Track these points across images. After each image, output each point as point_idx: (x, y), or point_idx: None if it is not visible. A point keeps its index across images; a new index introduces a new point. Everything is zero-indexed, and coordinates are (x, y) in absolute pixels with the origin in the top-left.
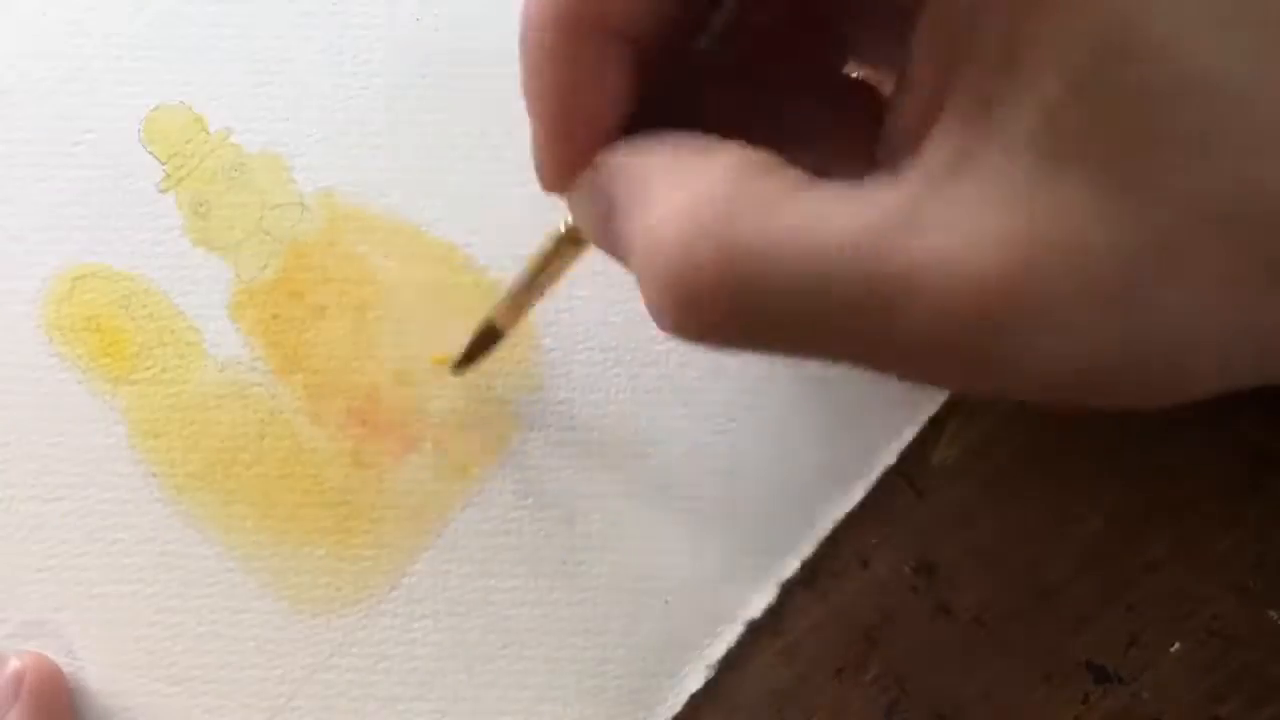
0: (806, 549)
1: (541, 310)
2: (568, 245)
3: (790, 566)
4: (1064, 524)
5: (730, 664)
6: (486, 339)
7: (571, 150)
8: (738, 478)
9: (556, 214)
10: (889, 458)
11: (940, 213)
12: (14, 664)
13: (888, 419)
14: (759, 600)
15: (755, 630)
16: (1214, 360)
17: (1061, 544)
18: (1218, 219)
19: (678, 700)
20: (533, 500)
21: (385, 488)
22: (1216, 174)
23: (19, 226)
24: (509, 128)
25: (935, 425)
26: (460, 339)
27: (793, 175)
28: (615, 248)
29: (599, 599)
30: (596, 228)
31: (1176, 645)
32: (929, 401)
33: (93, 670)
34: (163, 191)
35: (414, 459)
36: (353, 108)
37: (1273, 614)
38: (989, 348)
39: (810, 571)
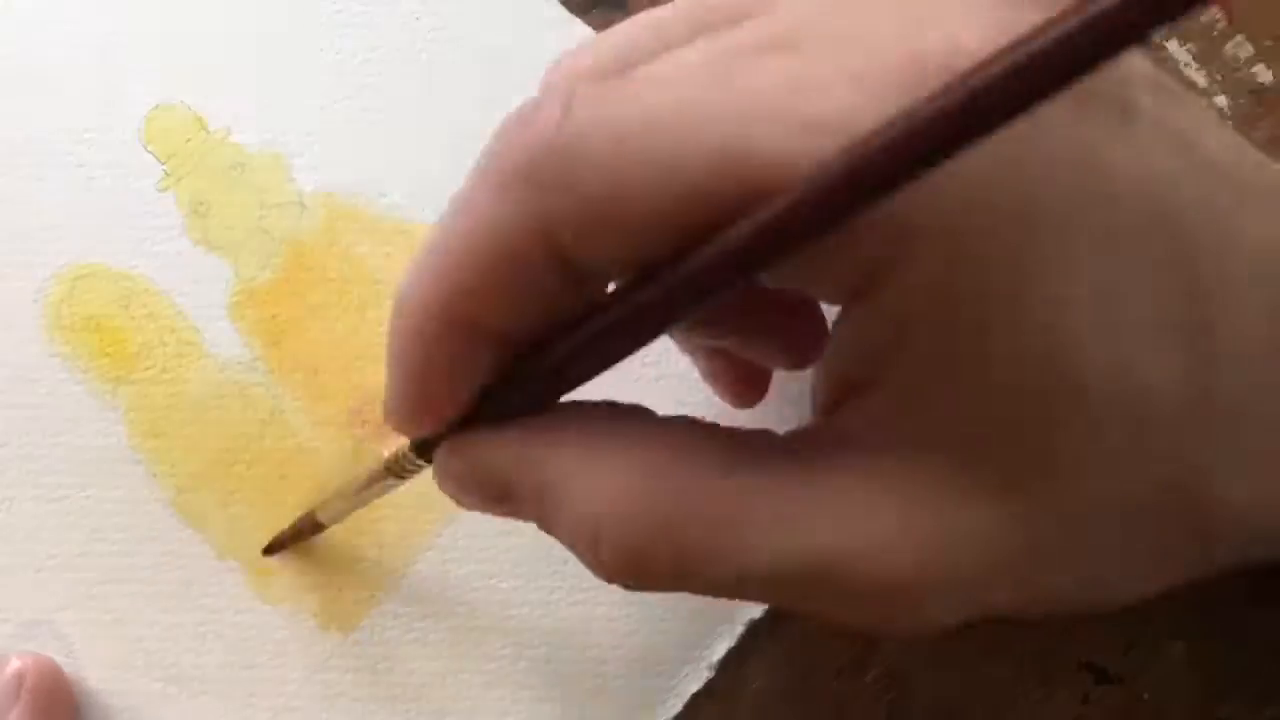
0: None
1: None
2: (388, 476)
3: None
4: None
5: (731, 664)
6: (305, 530)
7: (426, 417)
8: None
9: None
10: None
11: (857, 510)
12: (15, 664)
13: None
14: (759, 604)
15: (756, 630)
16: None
17: None
18: (1116, 499)
19: (678, 700)
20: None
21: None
22: (1118, 474)
23: (19, 226)
24: None
25: None
26: None
27: (712, 462)
28: (519, 514)
29: (599, 599)
30: (484, 498)
31: (1177, 645)
32: None
33: (93, 670)
34: (162, 191)
35: None
36: (353, 107)
37: (1274, 614)
38: (899, 617)
39: None
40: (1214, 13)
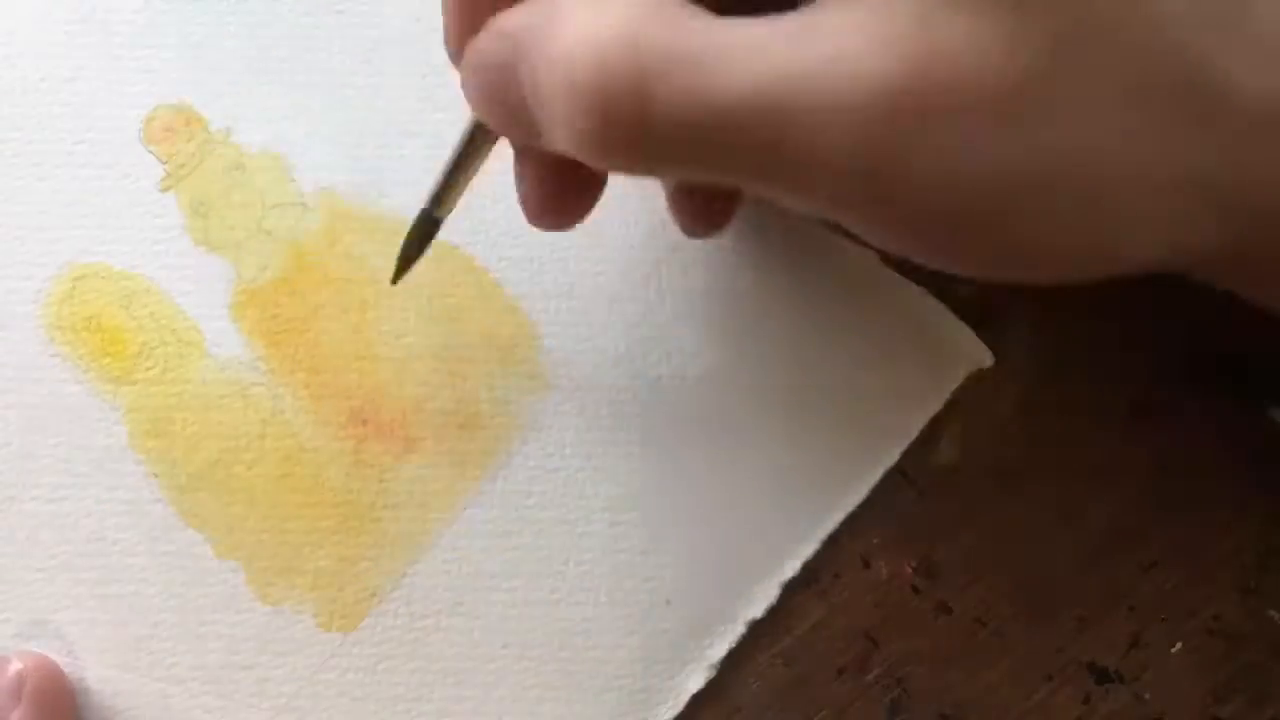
0: (808, 549)
1: (543, 310)
2: (482, 131)
3: (792, 567)
4: (1065, 524)
5: (731, 664)
6: (425, 229)
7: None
8: (739, 478)
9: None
10: (891, 458)
11: (839, 23)
12: (16, 666)
13: (890, 419)
14: (760, 600)
15: (756, 630)
16: (1137, 202)
17: (1063, 544)
18: (1110, 27)
19: (679, 701)
20: (534, 501)
21: (386, 488)
22: None
23: (20, 226)
24: None
25: (936, 425)
26: (459, 345)
27: (688, 8)
28: (517, 92)
29: (600, 600)
30: (495, 82)
31: (1178, 645)
32: (932, 400)
33: (94, 671)
34: (163, 191)
35: (415, 459)
36: (354, 107)
37: (1274, 614)
38: (887, 157)
39: (811, 571)
40: None
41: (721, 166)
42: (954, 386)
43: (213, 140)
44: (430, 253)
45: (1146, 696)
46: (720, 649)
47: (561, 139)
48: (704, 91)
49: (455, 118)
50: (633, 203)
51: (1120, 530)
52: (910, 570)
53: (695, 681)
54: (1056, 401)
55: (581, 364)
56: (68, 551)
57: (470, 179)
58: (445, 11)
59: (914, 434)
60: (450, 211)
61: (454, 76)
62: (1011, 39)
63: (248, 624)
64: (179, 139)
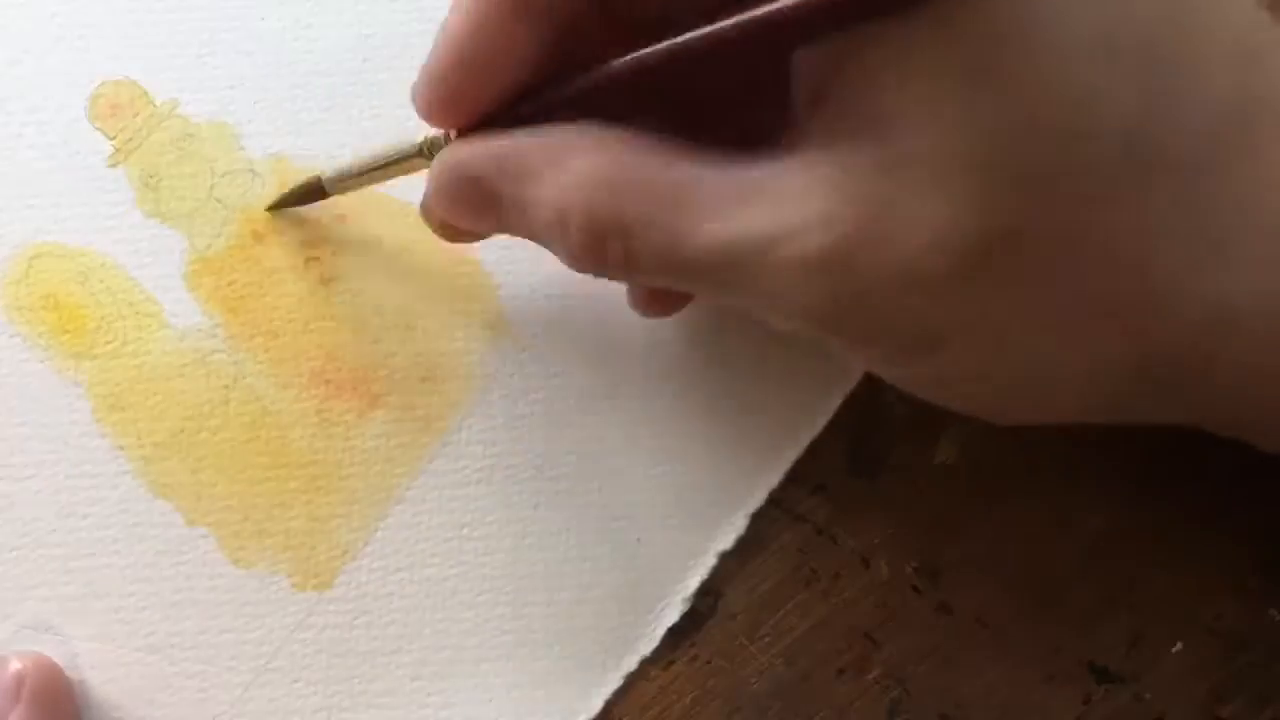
0: (774, 478)
1: (499, 260)
2: (418, 159)
3: (758, 498)
4: (1066, 524)
5: (732, 662)
6: (308, 194)
7: (464, 90)
8: (704, 415)
9: None
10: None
11: (799, 186)
12: (15, 666)
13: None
14: (729, 532)
15: (756, 628)
16: (1070, 385)
17: (1063, 544)
18: (1063, 235)
19: (655, 636)
20: (500, 449)
21: (352, 445)
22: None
23: None
24: None
25: (936, 425)
26: (416, 299)
27: (665, 158)
28: (491, 209)
29: (571, 542)
30: (472, 195)
31: (1178, 645)
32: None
33: (71, 644)
34: (112, 167)
35: (379, 415)
36: (299, 73)
37: (1275, 614)
38: (834, 311)
39: (812, 571)
40: None
41: (698, 292)
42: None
43: (159, 113)
44: (383, 210)
45: (1147, 696)
46: (693, 583)
47: (557, 255)
48: (678, 245)
49: (405, 79)
50: None
51: (1121, 530)
52: (911, 570)
53: (670, 616)
54: None
55: (539, 312)
56: (39, 529)
57: (381, 182)
58: (430, 81)
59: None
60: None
61: (404, 35)
62: (954, 227)
63: (222, 589)
64: (125, 114)
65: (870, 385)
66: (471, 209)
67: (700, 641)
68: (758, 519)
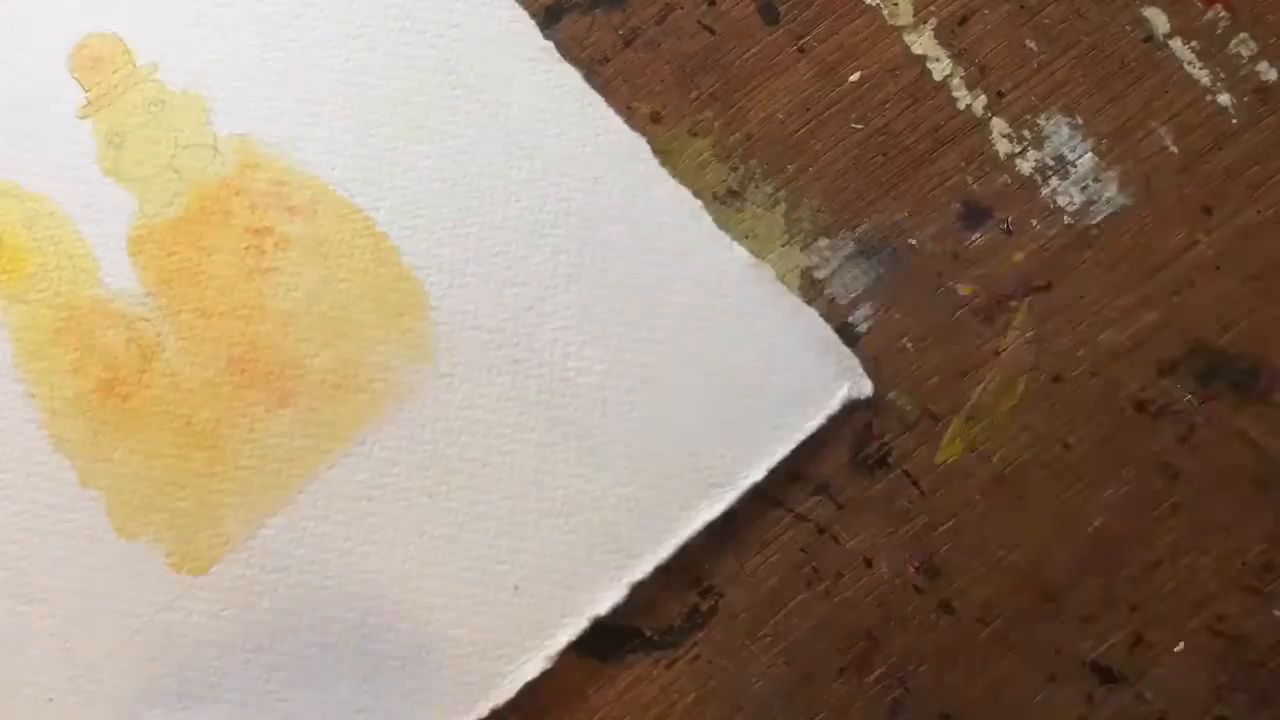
0: (665, 553)
1: (436, 283)
2: None
3: (643, 569)
4: (1067, 524)
5: (734, 662)
6: None
7: None
8: (605, 473)
9: (460, 192)
10: (756, 475)
11: None
12: None
13: (759, 437)
14: (607, 598)
15: (758, 628)
16: None
17: (1065, 544)
18: None
19: (510, 688)
20: (399, 469)
21: (254, 438)
22: None
23: None
24: (431, 101)
25: (938, 425)
26: (348, 306)
27: None
28: None
29: (450, 576)
30: None
31: (1180, 645)
32: (812, 410)
33: None
34: (82, 118)
35: (286, 414)
36: (283, 59)
37: (1277, 613)
38: None
39: (813, 570)
40: (1217, 10)
41: None
42: (827, 414)
43: (138, 74)
44: (333, 211)
45: (1149, 696)
46: (561, 640)
47: None
48: None
49: (381, 82)
50: (540, 188)
51: (1122, 530)
52: (912, 570)
53: (531, 669)
54: (1059, 402)
55: (466, 341)
56: None
57: None
58: None
59: (776, 458)
60: None
61: (386, 42)
62: None
63: (103, 554)
64: (105, 69)
65: (873, 385)
66: None
67: (702, 641)
68: (759, 518)
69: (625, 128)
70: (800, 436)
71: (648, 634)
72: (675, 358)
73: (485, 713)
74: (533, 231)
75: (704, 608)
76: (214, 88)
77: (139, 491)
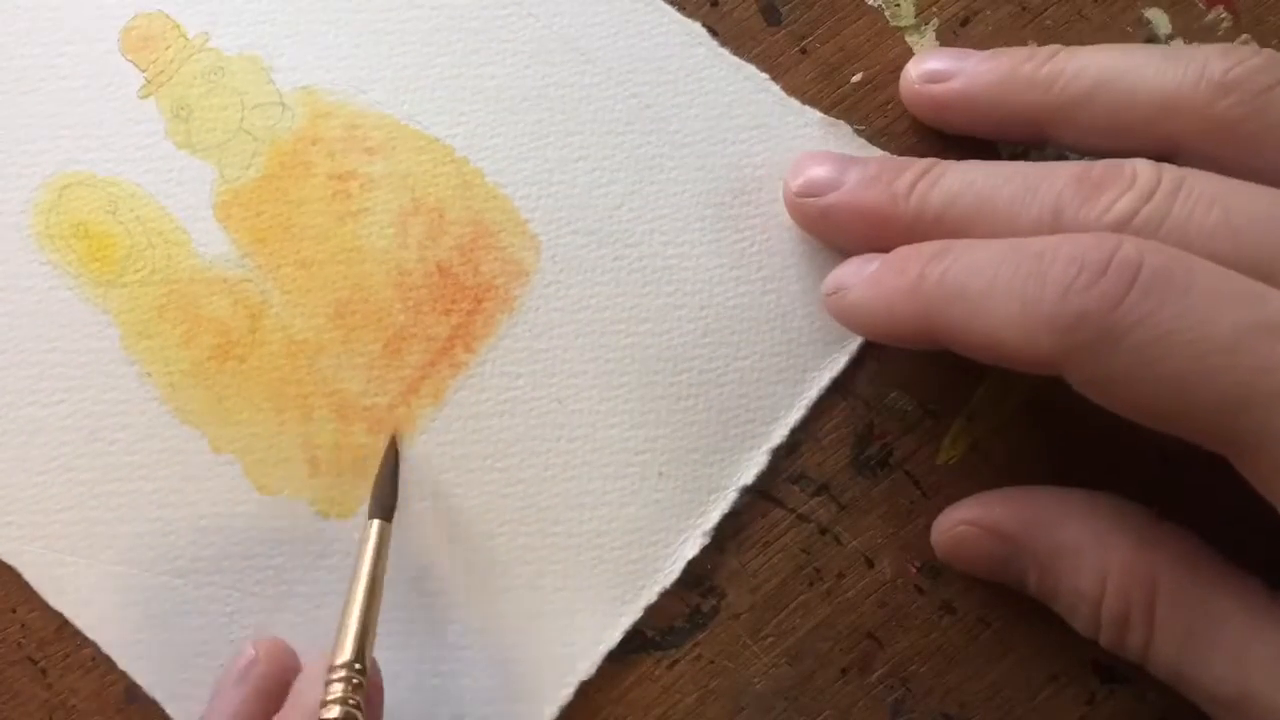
0: (796, 415)
1: (523, 198)
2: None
3: (779, 434)
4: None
5: (735, 662)
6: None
7: None
8: (724, 348)
9: (530, 106)
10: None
11: None
12: (249, 652)
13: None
14: (751, 468)
15: (760, 628)
16: None
17: None
18: None
19: (674, 569)
20: (524, 381)
21: (375, 375)
22: None
23: (5, 139)
24: (484, 22)
25: (940, 425)
26: (443, 229)
27: (1204, 575)
28: (1018, 573)
29: (593, 474)
30: (990, 555)
31: None
32: None
33: (99, 568)
34: (143, 98)
35: (403, 345)
36: (331, 7)
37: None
38: None
39: (815, 570)
40: (1218, 11)
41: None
42: None
43: (190, 46)
44: (411, 144)
45: (1150, 696)
46: (714, 517)
47: (1062, 610)
48: (1187, 666)
49: (432, 13)
50: (607, 88)
51: None
52: (914, 570)
53: (690, 549)
54: (1060, 402)
55: (564, 247)
56: (66, 453)
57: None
58: None
59: None
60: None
61: None
62: None
63: (248, 515)
64: (157, 47)
65: (874, 385)
66: (984, 557)
67: (704, 641)
68: (761, 519)
69: (679, 16)
70: None
71: (649, 634)
72: (772, 229)
73: (654, 597)
74: (609, 132)
75: (706, 608)
76: (269, 47)
77: (274, 448)
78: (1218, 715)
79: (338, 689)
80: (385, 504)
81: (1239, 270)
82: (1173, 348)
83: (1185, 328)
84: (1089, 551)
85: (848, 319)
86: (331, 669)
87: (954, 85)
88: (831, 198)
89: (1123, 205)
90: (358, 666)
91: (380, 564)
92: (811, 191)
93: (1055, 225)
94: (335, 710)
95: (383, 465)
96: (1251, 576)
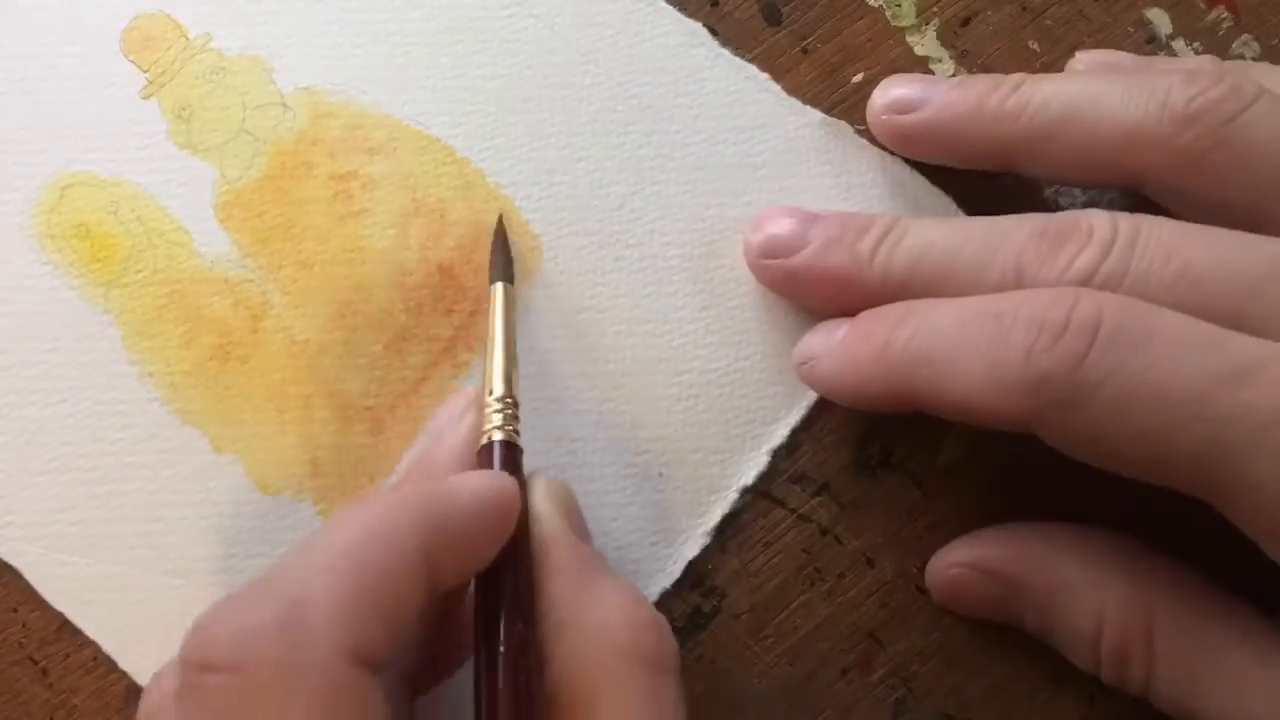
0: (797, 415)
1: (524, 198)
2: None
3: (780, 434)
4: (1070, 523)
5: (736, 662)
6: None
7: None
8: (725, 350)
9: (531, 107)
10: None
11: None
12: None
13: None
14: (752, 468)
15: (760, 628)
16: None
17: None
18: None
19: (675, 569)
20: (525, 381)
21: (377, 376)
22: None
23: (7, 140)
24: (485, 23)
25: (940, 426)
26: (444, 230)
27: (1199, 605)
28: (1015, 612)
29: (594, 475)
30: (983, 594)
31: None
32: None
33: (100, 568)
34: (145, 99)
35: (404, 346)
36: (330, 8)
37: None
38: None
39: (816, 571)
40: (1219, 11)
41: None
42: None
43: (192, 47)
44: (412, 145)
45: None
46: (715, 517)
47: (1061, 646)
48: (1189, 700)
49: (430, 13)
50: (608, 89)
51: (1125, 529)
52: (915, 570)
53: (691, 550)
54: None
55: (566, 248)
56: (69, 453)
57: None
58: None
59: None
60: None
61: None
62: None
63: (250, 514)
64: (158, 47)
65: None
66: (980, 599)
67: (705, 641)
68: (762, 519)
69: (680, 16)
70: None
71: None
72: None
73: (655, 597)
74: (610, 132)
75: (706, 608)
76: (271, 47)
77: (275, 448)
78: None
79: (496, 418)
80: (505, 270)
81: (1205, 318)
82: (1138, 402)
83: (1149, 382)
84: (1084, 589)
85: (822, 389)
86: (486, 402)
87: (921, 116)
88: (796, 261)
89: (1082, 262)
90: (509, 399)
91: (510, 320)
92: (774, 253)
93: (1018, 284)
94: (499, 435)
95: (496, 237)
96: (1245, 604)
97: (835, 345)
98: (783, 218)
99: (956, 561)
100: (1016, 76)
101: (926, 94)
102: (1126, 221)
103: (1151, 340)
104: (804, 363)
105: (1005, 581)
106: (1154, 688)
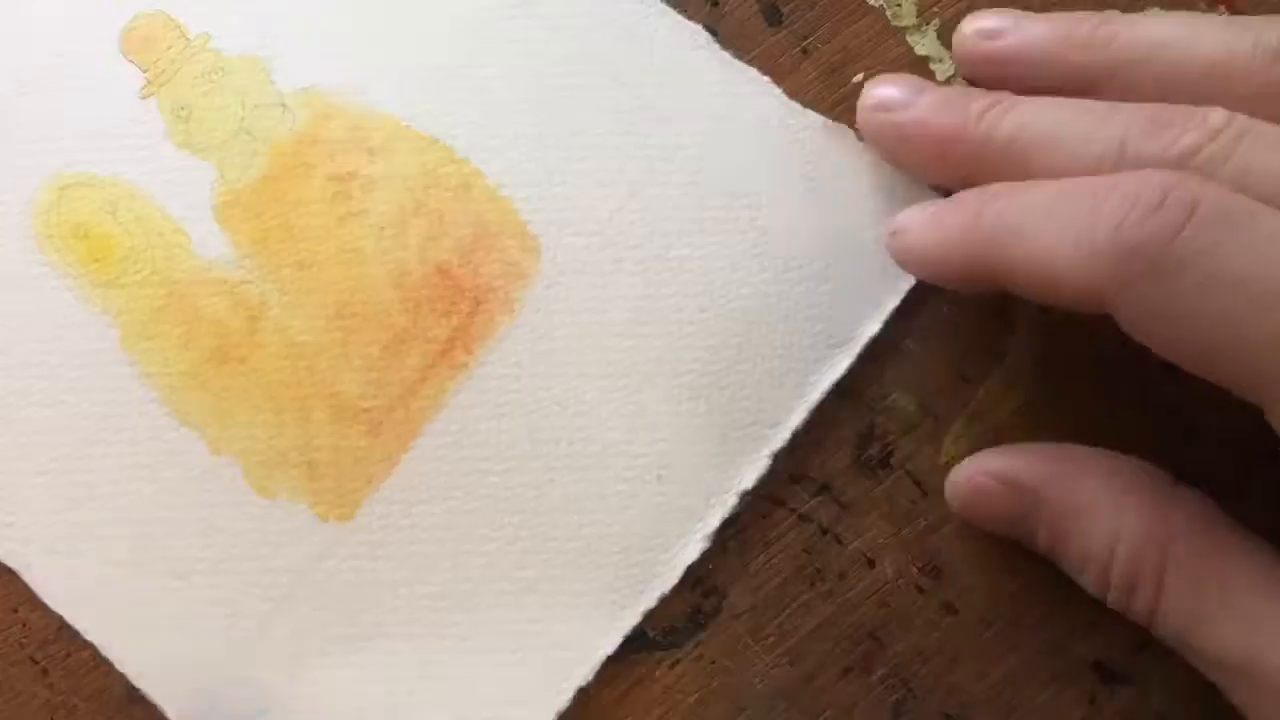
0: (798, 418)
1: (524, 199)
2: None
3: (781, 438)
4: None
5: (736, 662)
6: None
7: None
8: (726, 351)
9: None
10: (873, 327)
11: None
12: None
13: (874, 290)
14: (752, 471)
15: (761, 628)
16: None
17: None
18: None
19: (674, 574)
20: (524, 383)
21: (375, 378)
22: None
23: (4, 140)
24: (486, 23)
25: (941, 424)
26: (443, 230)
27: (1213, 530)
28: (1029, 530)
29: (593, 477)
30: (1001, 508)
31: None
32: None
33: (98, 568)
34: (144, 98)
35: (403, 347)
36: (330, 8)
37: None
38: None
39: (816, 570)
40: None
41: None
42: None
43: (191, 47)
44: (411, 146)
45: (1152, 698)
46: (714, 521)
47: (1073, 569)
48: (1194, 631)
49: (431, 11)
50: (610, 91)
51: None
52: (915, 570)
53: (690, 554)
54: (1060, 402)
55: (565, 249)
56: (66, 454)
57: None
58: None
59: (894, 306)
60: None
61: None
62: None
63: (247, 517)
64: (157, 47)
65: (875, 386)
66: (998, 510)
67: (705, 641)
68: (762, 519)
69: (681, 18)
70: (907, 286)
71: (650, 634)
72: (772, 231)
73: (654, 601)
74: (610, 133)
75: (707, 608)
76: (270, 48)
77: (273, 449)
78: (1223, 681)
79: None
80: None
81: None
82: (1225, 285)
83: (1241, 265)
84: (1103, 512)
85: (905, 258)
86: None
87: (1009, 41)
88: (906, 115)
89: (1186, 141)
90: None
91: None
92: (885, 108)
93: (1119, 159)
94: None
95: None
96: (1267, 544)
97: (928, 215)
98: (896, 81)
99: (983, 469)
100: (1109, 13)
101: (1014, 23)
102: (1243, 118)
103: (1253, 225)
104: (894, 233)
105: (1026, 496)
106: (1159, 616)
